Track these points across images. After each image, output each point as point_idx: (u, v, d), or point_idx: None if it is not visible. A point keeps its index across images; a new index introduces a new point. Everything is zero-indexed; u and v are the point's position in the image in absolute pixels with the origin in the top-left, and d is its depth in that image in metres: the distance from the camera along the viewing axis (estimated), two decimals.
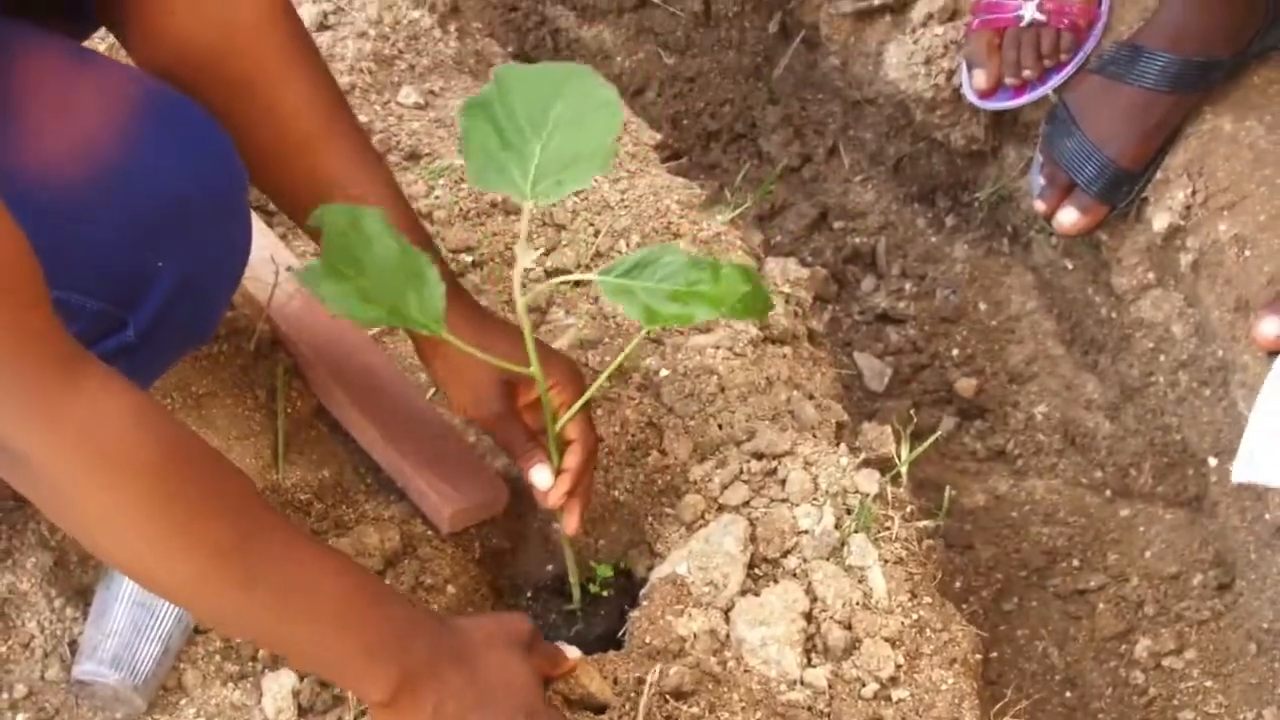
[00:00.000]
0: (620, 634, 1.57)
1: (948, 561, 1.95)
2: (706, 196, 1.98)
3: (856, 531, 1.57)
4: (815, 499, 1.60)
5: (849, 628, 1.51)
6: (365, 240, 1.32)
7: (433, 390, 1.68)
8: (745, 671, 1.48)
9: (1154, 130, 2.02)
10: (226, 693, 1.44)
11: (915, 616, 1.54)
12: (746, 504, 1.60)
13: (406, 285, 1.33)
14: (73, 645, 1.45)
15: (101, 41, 1.69)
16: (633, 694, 1.44)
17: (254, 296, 1.67)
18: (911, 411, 2.10)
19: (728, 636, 1.51)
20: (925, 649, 1.53)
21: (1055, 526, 2.05)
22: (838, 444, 1.68)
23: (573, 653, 1.44)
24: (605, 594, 1.63)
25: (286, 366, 1.67)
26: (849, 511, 1.58)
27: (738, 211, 1.94)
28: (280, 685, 1.44)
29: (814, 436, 1.68)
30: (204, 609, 1.30)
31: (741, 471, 1.63)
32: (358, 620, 1.26)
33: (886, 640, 1.51)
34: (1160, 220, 2.00)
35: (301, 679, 1.45)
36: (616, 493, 1.68)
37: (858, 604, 1.52)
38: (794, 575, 1.55)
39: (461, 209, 1.87)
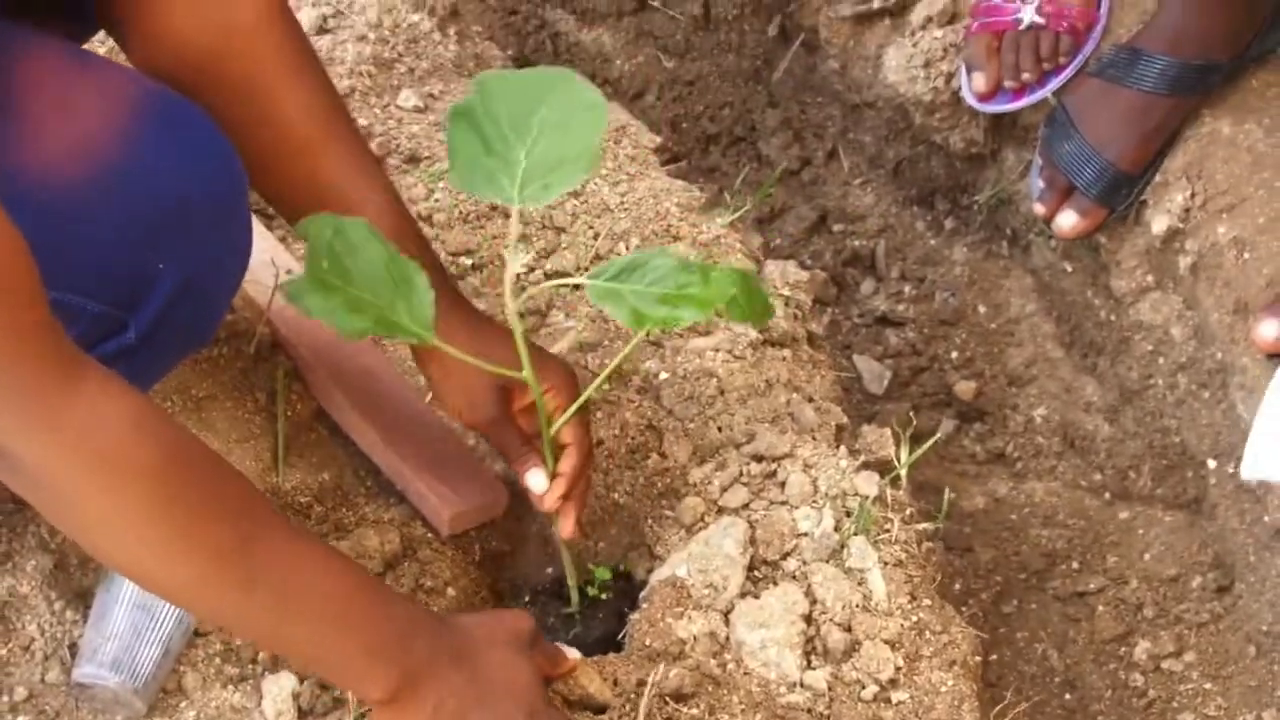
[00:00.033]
0: (620, 636, 1.57)
1: (947, 564, 1.95)
2: (706, 199, 1.99)
3: (856, 534, 1.57)
4: (815, 501, 1.60)
5: (849, 630, 1.51)
6: (351, 249, 1.32)
7: (432, 393, 1.68)
8: (745, 674, 1.48)
9: (1153, 133, 2.02)
10: (226, 695, 1.44)
11: (915, 619, 1.54)
12: (746, 506, 1.60)
13: (395, 293, 1.33)
14: (73, 648, 1.45)
15: (101, 45, 1.69)
16: (633, 695, 1.44)
17: (254, 299, 1.67)
18: (911, 414, 2.10)
19: (727, 639, 1.51)
20: (925, 651, 1.53)
21: (1055, 529, 2.05)
22: (837, 446, 1.68)
23: (572, 654, 1.44)
24: (604, 597, 1.63)
25: (286, 369, 1.67)
26: (849, 514, 1.59)
27: (737, 214, 1.95)
28: (280, 688, 1.44)
29: (814, 439, 1.68)
30: (205, 610, 1.30)
31: (741, 474, 1.63)
32: (358, 621, 1.26)
33: (886, 642, 1.51)
34: (1159, 223, 2.00)
35: (302, 681, 1.45)
36: (616, 495, 1.68)
37: (857, 606, 1.53)
38: (794, 577, 1.55)
39: (461, 212, 1.87)
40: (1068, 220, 2.07)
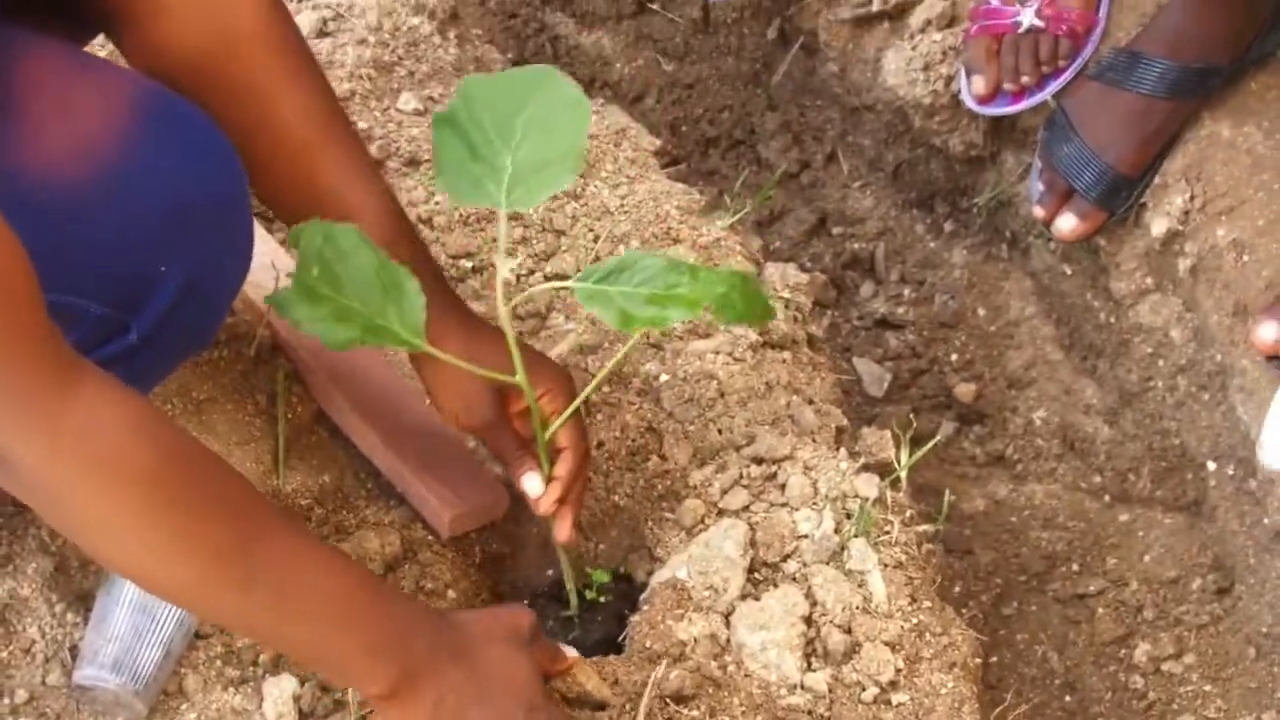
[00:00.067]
0: (620, 639, 1.57)
1: (947, 566, 1.95)
2: (706, 202, 1.99)
3: (856, 536, 1.57)
4: (815, 503, 1.60)
5: (849, 632, 1.51)
6: (341, 255, 1.33)
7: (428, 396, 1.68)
8: (745, 676, 1.49)
9: (1152, 136, 2.02)
10: (227, 697, 1.44)
11: (915, 620, 1.54)
12: (746, 508, 1.60)
13: (386, 298, 1.34)
14: (74, 650, 1.45)
15: (101, 48, 1.70)
16: (634, 696, 1.44)
17: (254, 302, 1.67)
18: (911, 416, 2.10)
19: (728, 641, 1.51)
20: (925, 653, 1.53)
21: (1054, 531, 2.05)
22: (837, 449, 1.68)
23: (570, 653, 1.44)
24: (602, 600, 1.63)
25: (287, 372, 1.67)
26: (849, 516, 1.59)
27: (737, 217, 1.95)
28: (281, 690, 1.44)
29: (814, 441, 1.68)
30: (205, 610, 1.30)
31: (741, 476, 1.63)
32: (359, 619, 1.26)
33: (886, 644, 1.51)
34: (1159, 225, 2.00)
35: (303, 684, 1.45)
36: (616, 497, 1.68)
37: (858, 608, 1.53)
38: (794, 579, 1.55)
39: (461, 215, 1.87)
40: (1067, 223, 2.07)
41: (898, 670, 1.50)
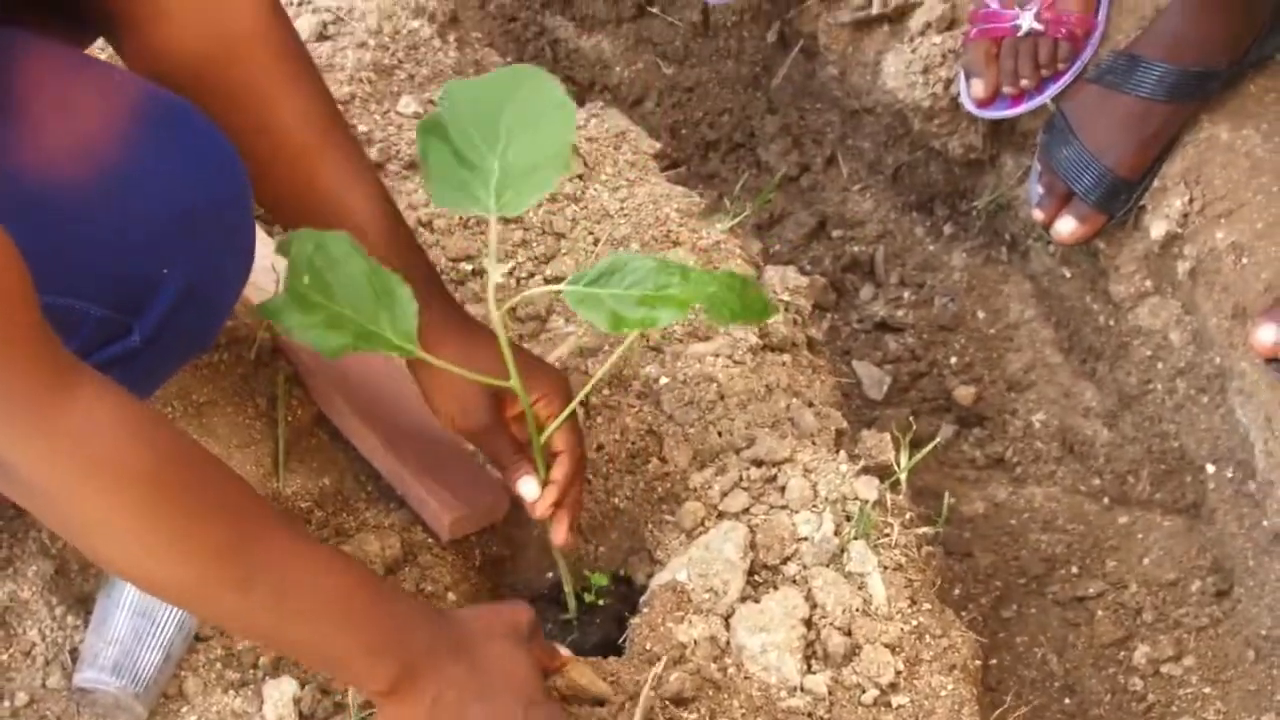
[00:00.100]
0: (620, 641, 1.57)
1: (947, 568, 1.95)
2: (706, 205, 1.99)
3: (856, 538, 1.57)
4: (815, 506, 1.60)
5: (849, 634, 1.52)
6: (332, 263, 1.33)
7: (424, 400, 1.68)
8: (745, 678, 1.49)
9: (1151, 139, 2.02)
10: (227, 700, 1.44)
11: (915, 623, 1.54)
12: (746, 511, 1.61)
13: (378, 305, 1.34)
14: (74, 653, 1.45)
15: (101, 51, 1.70)
16: (633, 694, 1.44)
17: (254, 305, 1.67)
18: (910, 419, 2.11)
19: (728, 643, 1.51)
20: (925, 655, 1.53)
21: (1054, 534, 2.05)
22: (837, 451, 1.69)
23: (565, 653, 1.44)
24: (601, 603, 1.63)
25: (287, 375, 1.68)
26: (848, 518, 1.59)
27: (737, 220, 1.95)
28: (281, 693, 1.44)
29: (813, 444, 1.68)
30: (205, 611, 1.31)
31: (741, 479, 1.63)
32: (358, 618, 1.26)
33: (886, 646, 1.51)
34: (1158, 228, 2.00)
35: (303, 686, 1.45)
36: (616, 500, 1.68)
37: (857, 610, 1.53)
38: (794, 582, 1.55)
39: (461, 218, 1.87)
40: (1066, 226, 2.07)
41: (898, 672, 1.50)
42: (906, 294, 2.31)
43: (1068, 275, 2.22)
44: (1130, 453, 2.10)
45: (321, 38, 2.05)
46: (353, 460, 1.68)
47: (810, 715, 1.47)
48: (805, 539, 1.57)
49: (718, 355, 1.75)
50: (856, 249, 2.37)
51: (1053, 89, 2.10)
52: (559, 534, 1.51)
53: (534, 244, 1.85)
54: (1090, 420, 2.15)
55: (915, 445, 1.68)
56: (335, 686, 1.46)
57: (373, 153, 1.92)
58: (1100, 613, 1.97)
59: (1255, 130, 1.98)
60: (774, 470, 1.64)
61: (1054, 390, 2.19)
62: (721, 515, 1.61)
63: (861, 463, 1.66)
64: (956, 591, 1.98)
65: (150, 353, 1.32)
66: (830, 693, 1.48)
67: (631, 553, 1.68)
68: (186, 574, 1.19)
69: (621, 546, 1.69)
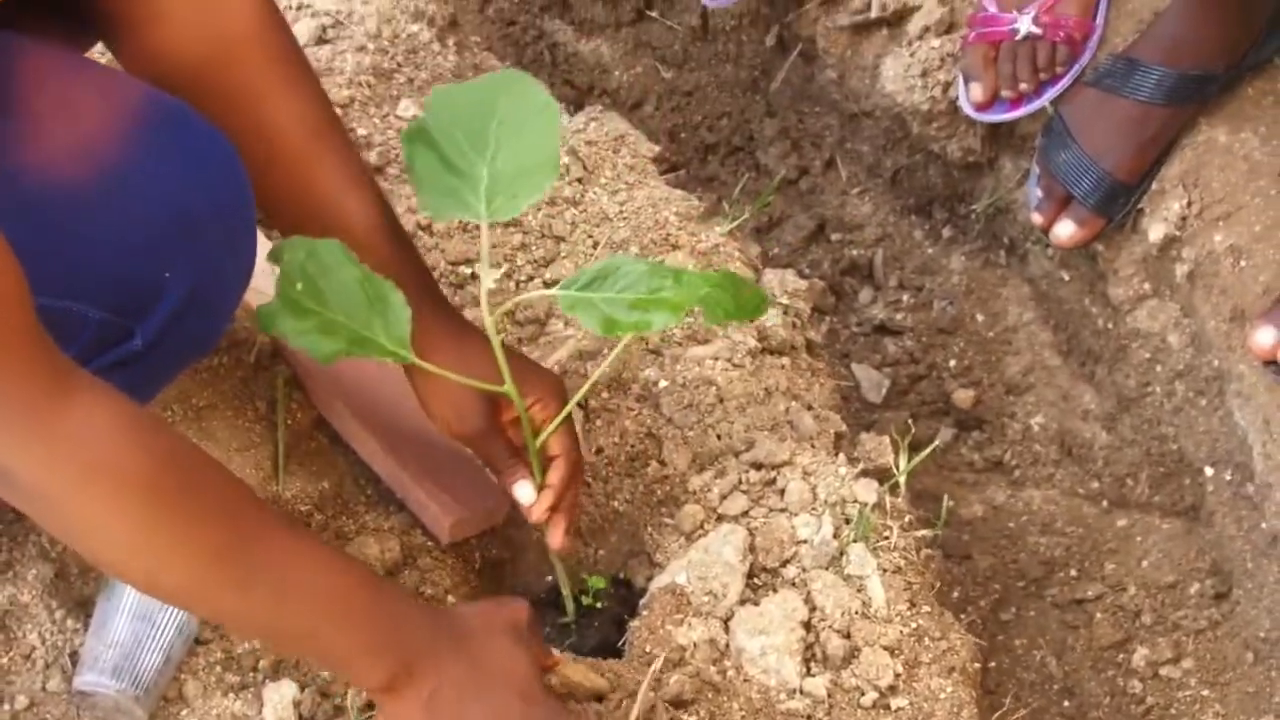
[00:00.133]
0: (620, 644, 1.57)
1: (946, 571, 1.95)
2: (705, 208, 1.99)
3: (855, 541, 1.58)
4: (814, 509, 1.60)
5: (848, 636, 1.52)
6: (324, 270, 1.33)
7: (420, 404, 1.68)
8: (745, 681, 1.49)
9: (1149, 143, 2.02)
10: (227, 703, 1.45)
11: (914, 625, 1.54)
12: (745, 514, 1.61)
13: (371, 311, 1.34)
14: (74, 656, 1.45)
15: (101, 55, 1.70)
16: (632, 693, 1.44)
17: (254, 308, 1.67)
18: (909, 422, 2.10)
19: (727, 646, 1.51)
20: (924, 658, 1.53)
21: (1053, 536, 2.05)
22: (836, 454, 1.69)
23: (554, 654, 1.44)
24: (599, 606, 1.63)
25: (286, 378, 1.68)
26: (847, 521, 1.59)
27: (736, 223, 1.95)
28: (281, 696, 1.44)
29: (812, 447, 1.69)
30: (205, 610, 1.31)
31: (740, 481, 1.64)
32: (358, 617, 1.26)
33: (885, 649, 1.51)
34: (1156, 231, 2.00)
35: (302, 689, 1.45)
36: (616, 503, 1.68)
37: (856, 613, 1.53)
38: (793, 584, 1.55)
39: (460, 221, 1.87)
40: (1065, 229, 2.07)
41: (897, 675, 1.50)
42: (905, 297, 2.32)
43: (1066, 278, 2.22)
44: (1129, 455, 2.11)
45: (321, 41, 2.06)
46: (352, 464, 1.68)
47: (809, 718, 1.47)
48: (804, 542, 1.57)
49: (717, 358, 1.76)
50: (855, 252, 2.37)
51: (1051, 92, 2.10)
52: (556, 537, 1.52)
53: (533, 247, 1.86)
54: (1089, 423, 2.15)
55: (914, 448, 1.68)
56: (335, 689, 1.46)
57: (372, 156, 1.92)
58: (1099, 615, 1.97)
59: (1253, 133, 1.98)
60: (773, 473, 1.64)
61: (1053, 393, 2.19)
62: (721, 518, 1.61)
63: (861, 465, 1.66)
64: (955, 594, 1.98)
65: (152, 357, 1.32)
66: (829, 695, 1.48)
67: (631, 556, 1.68)
68: (186, 575, 1.19)
69: (621, 549, 1.69)
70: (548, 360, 1.72)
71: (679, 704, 1.45)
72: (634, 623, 1.55)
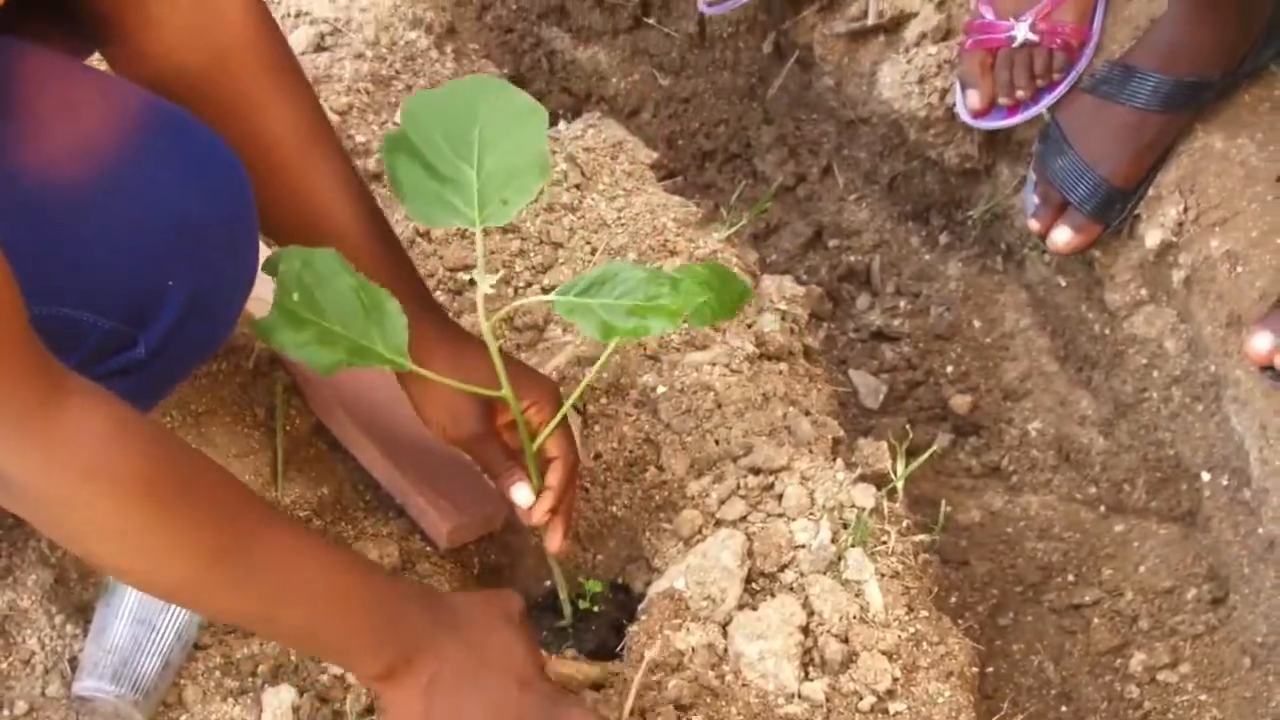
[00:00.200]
0: (619, 648, 1.57)
1: (944, 576, 1.96)
2: (702, 215, 1.99)
3: (853, 546, 1.58)
4: (812, 514, 1.60)
5: (846, 641, 1.52)
6: (320, 280, 1.33)
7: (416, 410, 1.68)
8: (743, 685, 1.49)
9: (1146, 149, 2.02)
10: (226, 708, 1.45)
11: (912, 630, 1.54)
12: (744, 519, 1.61)
13: (368, 320, 1.34)
14: (73, 661, 1.45)
15: (100, 61, 1.70)
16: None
17: (253, 315, 1.67)
18: (907, 427, 2.11)
19: (726, 650, 1.51)
20: (922, 662, 1.53)
21: (1050, 542, 2.05)
22: (834, 459, 1.69)
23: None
24: (596, 610, 1.63)
25: (285, 384, 1.68)
26: (845, 526, 1.59)
27: (733, 230, 1.95)
28: (280, 700, 1.44)
29: (810, 452, 1.69)
30: (203, 608, 1.32)
31: (739, 487, 1.64)
32: (357, 615, 1.27)
33: (883, 653, 1.51)
34: (1153, 237, 2.00)
35: (301, 694, 1.45)
36: (614, 508, 1.68)
37: (855, 617, 1.53)
38: (791, 589, 1.55)
39: (459, 227, 1.87)
40: (1062, 236, 2.07)
41: (894, 679, 1.50)
42: (902, 303, 2.32)
43: (1063, 284, 2.22)
44: (1126, 461, 2.11)
45: (319, 49, 2.06)
46: (351, 470, 1.68)
47: None
48: (802, 546, 1.57)
49: (715, 364, 1.76)
50: (853, 258, 2.37)
51: (1048, 99, 2.10)
52: (554, 540, 1.52)
53: (531, 254, 1.86)
54: (1086, 428, 2.16)
55: (911, 453, 1.68)
56: (334, 694, 1.47)
57: (369, 163, 1.92)
58: (1096, 620, 1.97)
59: (1249, 139, 1.99)
60: (771, 478, 1.64)
61: (1050, 399, 2.19)
62: (719, 523, 1.61)
63: (858, 471, 1.66)
64: (953, 599, 1.98)
65: (155, 364, 1.33)
66: (827, 700, 1.49)
67: (629, 561, 1.68)
68: (185, 575, 1.19)
69: (619, 554, 1.69)
70: (546, 366, 1.72)
71: (678, 708, 1.45)
72: (632, 627, 1.55)
